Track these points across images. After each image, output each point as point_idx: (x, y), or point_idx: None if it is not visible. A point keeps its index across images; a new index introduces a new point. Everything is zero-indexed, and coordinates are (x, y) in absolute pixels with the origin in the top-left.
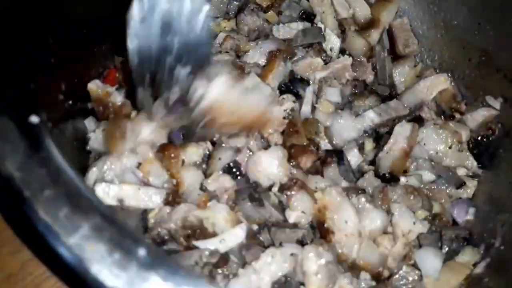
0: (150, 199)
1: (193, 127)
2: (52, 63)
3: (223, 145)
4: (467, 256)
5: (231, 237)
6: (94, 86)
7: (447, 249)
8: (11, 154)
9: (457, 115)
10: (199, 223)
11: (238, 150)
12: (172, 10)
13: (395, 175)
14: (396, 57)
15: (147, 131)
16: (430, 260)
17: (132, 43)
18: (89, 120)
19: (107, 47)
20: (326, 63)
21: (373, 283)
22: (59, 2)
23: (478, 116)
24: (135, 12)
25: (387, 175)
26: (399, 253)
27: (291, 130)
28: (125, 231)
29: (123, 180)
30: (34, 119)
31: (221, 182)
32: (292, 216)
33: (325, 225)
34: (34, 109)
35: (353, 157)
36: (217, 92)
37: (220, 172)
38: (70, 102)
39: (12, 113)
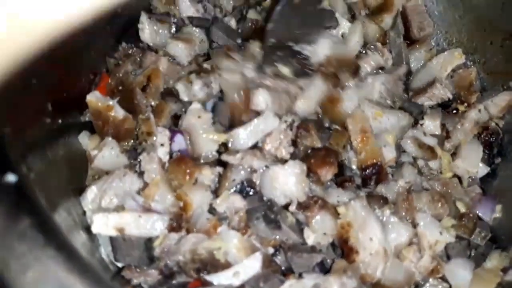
0: (153, 226)
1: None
2: (32, 84)
3: (238, 166)
4: (495, 261)
5: (246, 269)
6: (94, 99)
7: (473, 254)
8: None
9: (461, 107)
10: (209, 255)
11: (253, 171)
12: None
13: None
14: (410, 41)
15: None
16: (459, 272)
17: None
18: (83, 135)
19: (97, 49)
20: None
21: None
22: None
23: (500, 101)
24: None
25: None
26: (426, 268)
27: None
28: None
29: (123, 207)
30: (10, 178)
31: (231, 202)
32: (311, 238)
33: (349, 243)
34: (9, 165)
35: None
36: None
37: (231, 192)
38: (60, 121)
39: None
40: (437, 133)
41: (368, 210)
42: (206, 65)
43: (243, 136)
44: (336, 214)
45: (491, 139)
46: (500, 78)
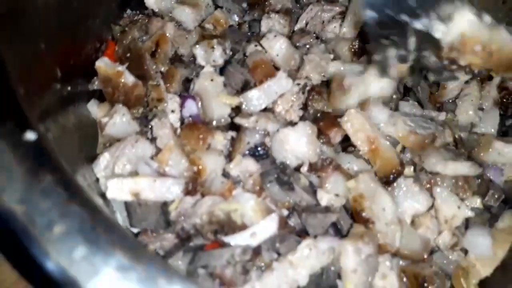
0: (169, 190)
1: (439, 67)
2: (41, 48)
3: (252, 129)
4: (507, 220)
5: (262, 229)
6: (103, 65)
7: (489, 216)
8: (9, 184)
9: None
10: (226, 217)
11: (267, 134)
12: None
13: None
14: None
15: (376, 87)
16: (479, 241)
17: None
18: (92, 103)
19: (102, 16)
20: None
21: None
22: None
23: None
24: None
25: None
26: (446, 244)
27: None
28: (156, 269)
29: (136, 172)
30: (30, 135)
31: (245, 166)
32: (324, 199)
33: (363, 215)
34: (28, 123)
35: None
36: (463, 26)
37: (243, 155)
38: (69, 88)
39: (2, 133)
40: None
41: (377, 182)
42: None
43: (257, 97)
44: (349, 176)
45: (509, 100)
46: None
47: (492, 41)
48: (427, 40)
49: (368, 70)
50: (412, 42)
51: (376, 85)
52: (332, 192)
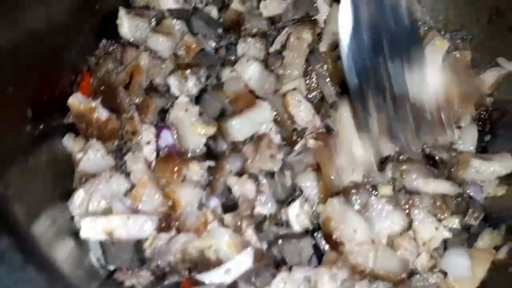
0: (142, 228)
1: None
2: (9, 92)
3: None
4: (487, 239)
5: (237, 265)
6: (76, 101)
7: (467, 236)
8: None
9: None
10: (200, 254)
11: (246, 159)
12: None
13: None
14: None
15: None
16: (457, 261)
17: (347, 61)
18: (67, 138)
19: (77, 47)
20: (320, 37)
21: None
22: None
23: (488, 78)
24: (343, 27)
25: None
26: (424, 266)
27: None
28: None
29: (111, 209)
30: None
31: (246, 189)
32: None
33: (334, 237)
34: None
35: None
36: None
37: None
38: (41, 126)
39: None
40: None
41: (346, 205)
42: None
43: (239, 127)
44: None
45: (486, 116)
46: (488, 55)
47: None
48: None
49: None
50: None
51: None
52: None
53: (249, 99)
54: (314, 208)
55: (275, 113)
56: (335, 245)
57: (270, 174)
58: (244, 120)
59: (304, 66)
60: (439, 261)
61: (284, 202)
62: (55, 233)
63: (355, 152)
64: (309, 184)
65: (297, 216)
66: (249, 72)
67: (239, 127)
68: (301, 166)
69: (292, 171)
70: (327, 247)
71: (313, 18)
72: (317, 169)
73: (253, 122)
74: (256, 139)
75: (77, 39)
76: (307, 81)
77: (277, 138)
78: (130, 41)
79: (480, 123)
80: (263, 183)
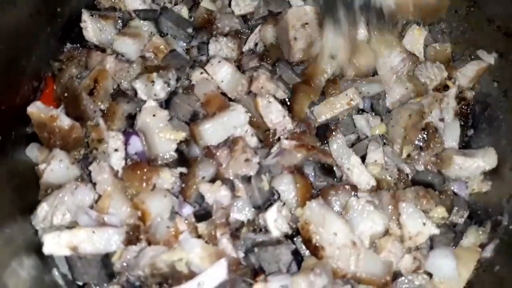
0: (108, 241)
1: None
2: None
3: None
4: (472, 237)
5: (210, 278)
6: (35, 110)
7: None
8: None
9: (450, 83)
10: (169, 268)
11: (220, 165)
12: None
13: None
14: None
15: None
16: (442, 262)
17: None
18: (31, 148)
19: (38, 52)
20: None
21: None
22: None
23: (468, 71)
24: None
25: None
26: (406, 268)
27: None
28: None
29: (76, 222)
30: None
31: (220, 196)
32: (274, 230)
33: (313, 242)
34: None
35: None
36: None
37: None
38: (1, 137)
39: None
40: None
41: (325, 207)
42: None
43: (212, 130)
44: None
45: (468, 110)
46: (467, 48)
47: None
48: None
49: None
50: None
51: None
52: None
53: (221, 101)
54: (292, 211)
55: (249, 115)
56: (315, 250)
57: (247, 179)
58: (217, 124)
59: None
60: (423, 262)
61: (262, 207)
62: (16, 248)
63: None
64: (286, 188)
65: (275, 221)
66: (221, 74)
67: (212, 131)
68: (278, 169)
69: (269, 175)
70: (307, 252)
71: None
72: (293, 171)
73: (227, 126)
74: (231, 143)
75: (38, 44)
76: None
77: (253, 141)
78: (96, 44)
79: (462, 117)
80: (240, 188)
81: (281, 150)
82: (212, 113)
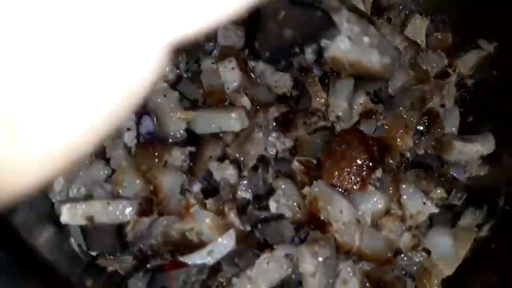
0: (122, 212)
1: None
2: None
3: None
4: (469, 218)
5: (220, 247)
6: None
7: (451, 215)
8: None
9: (451, 71)
10: (181, 237)
11: (225, 145)
12: None
13: None
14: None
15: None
16: (440, 241)
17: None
18: None
19: None
20: None
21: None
22: None
23: (468, 59)
24: None
25: None
26: (406, 245)
27: None
28: None
29: (92, 196)
30: None
31: (228, 174)
32: (274, 206)
33: (321, 217)
34: None
35: None
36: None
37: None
38: None
39: None
40: None
41: (331, 187)
42: None
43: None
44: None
45: (467, 97)
46: (468, 36)
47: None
48: None
49: None
50: None
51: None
52: (282, 200)
53: (222, 98)
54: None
55: (247, 123)
56: (322, 225)
57: (253, 167)
58: (209, 118)
59: None
60: (422, 240)
61: (263, 197)
62: (34, 220)
63: None
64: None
65: (277, 208)
66: (229, 79)
67: (202, 122)
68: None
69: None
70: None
71: None
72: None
73: (216, 124)
74: None
75: None
76: None
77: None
78: None
79: (462, 104)
80: (247, 168)
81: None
82: (210, 105)
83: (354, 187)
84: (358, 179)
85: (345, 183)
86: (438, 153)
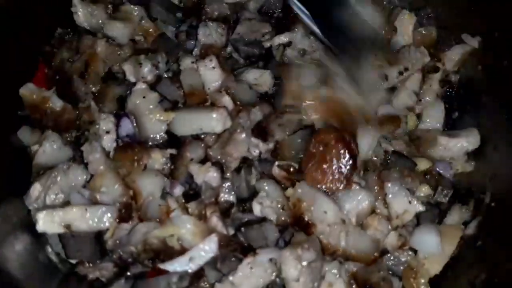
0: (101, 219)
1: None
2: None
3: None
4: (456, 216)
5: (201, 253)
6: (28, 92)
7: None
8: None
9: (439, 65)
10: (161, 244)
11: (207, 147)
12: None
13: None
14: None
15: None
16: (427, 238)
17: None
18: (22, 131)
19: (29, 37)
20: None
21: (362, 265)
22: None
23: (453, 55)
24: None
25: None
26: (392, 245)
27: None
28: None
29: (69, 202)
30: None
31: (209, 177)
32: (258, 208)
33: (305, 218)
34: None
35: None
36: None
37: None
38: None
39: None
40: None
41: (314, 188)
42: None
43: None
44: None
45: (452, 93)
46: (452, 32)
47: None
48: None
49: None
50: None
51: None
52: (266, 202)
53: (203, 98)
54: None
55: (229, 124)
56: (306, 227)
57: (237, 169)
58: (189, 119)
59: None
60: (408, 239)
61: (247, 200)
62: (7, 230)
63: None
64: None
65: (261, 211)
66: (210, 80)
67: (182, 123)
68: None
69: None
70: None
71: None
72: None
73: (197, 125)
74: None
75: (28, 28)
76: None
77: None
78: (87, 28)
79: (447, 100)
80: (229, 170)
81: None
82: (190, 105)
83: (339, 187)
84: (341, 178)
85: (330, 184)
86: (424, 150)
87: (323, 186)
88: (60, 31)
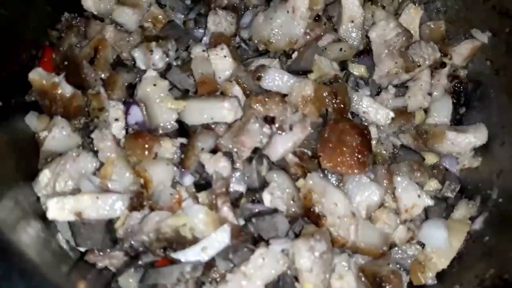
0: (112, 207)
1: None
2: None
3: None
4: (463, 210)
5: (214, 243)
6: (37, 76)
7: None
8: None
9: (446, 60)
10: (174, 233)
11: (218, 137)
12: None
13: None
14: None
15: None
16: (435, 233)
17: None
18: (30, 116)
19: (35, 21)
20: None
21: (370, 258)
22: None
23: (462, 50)
24: None
25: None
26: (400, 239)
27: None
28: None
29: (79, 189)
30: None
31: (220, 166)
32: (268, 199)
33: (316, 210)
34: None
35: None
36: None
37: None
38: (1, 104)
39: None
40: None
41: (325, 179)
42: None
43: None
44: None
45: (460, 88)
46: (462, 27)
47: None
48: None
49: None
50: None
51: None
52: (276, 192)
53: (214, 88)
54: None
55: (240, 114)
56: (317, 218)
57: (248, 159)
58: (200, 108)
59: None
60: (416, 233)
61: (258, 190)
62: (19, 215)
63: None
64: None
65: (271, 201)
66: (221, 69)
67: (193, 112)
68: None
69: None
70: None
71: None
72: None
73: (207, 114)
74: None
75: (34, 12)
76: None
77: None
78: (94, 14)
79: (454, 95)
80: (240, 160)
81: None
82: (201, 94)
83: (355, 170)
84: (356, 160)
85: (344, 167)
86: (431, 145)
87: (338, 169)
88: (67, 16)
